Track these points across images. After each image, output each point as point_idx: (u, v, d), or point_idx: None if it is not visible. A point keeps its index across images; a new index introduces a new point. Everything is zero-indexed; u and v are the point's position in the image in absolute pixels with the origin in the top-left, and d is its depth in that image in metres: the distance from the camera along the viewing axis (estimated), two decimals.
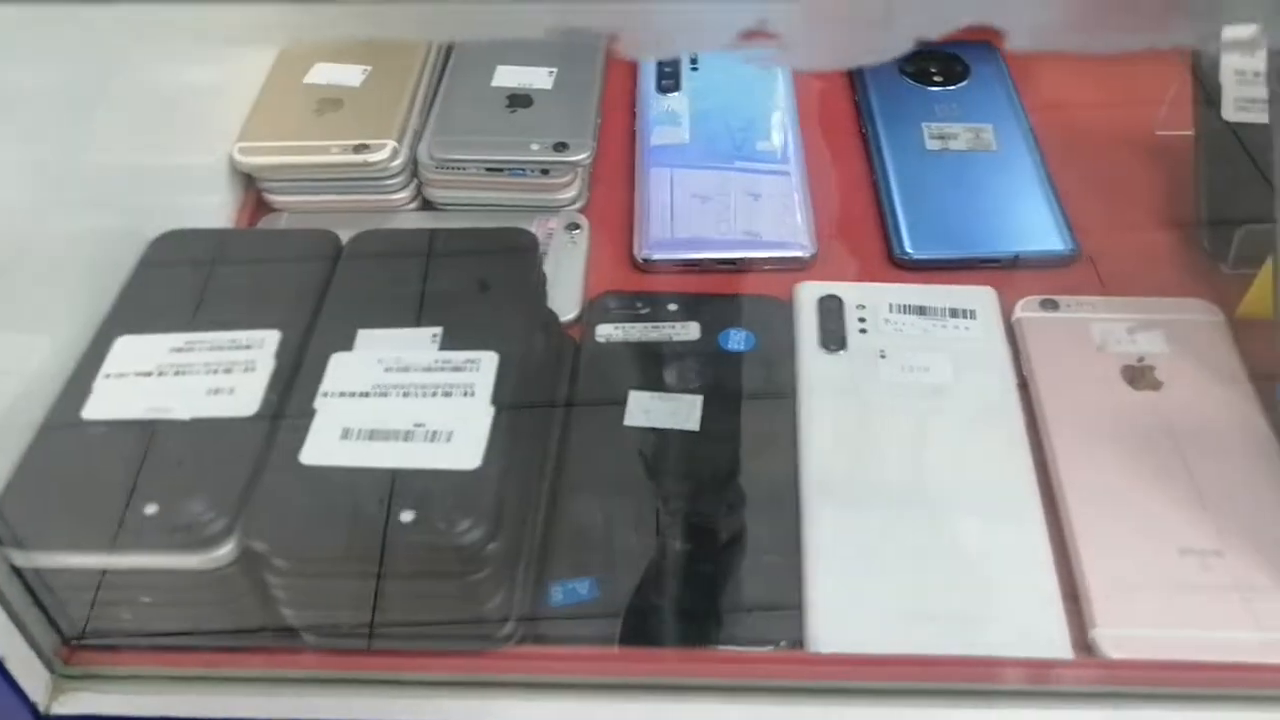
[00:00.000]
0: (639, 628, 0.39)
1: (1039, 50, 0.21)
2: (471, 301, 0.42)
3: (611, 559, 0.40)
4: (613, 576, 0.40)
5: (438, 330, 0.40)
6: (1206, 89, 0.52)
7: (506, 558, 0.37)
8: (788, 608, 0.39)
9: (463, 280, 0.43)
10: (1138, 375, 0.46)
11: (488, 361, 0.39)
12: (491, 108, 0.56)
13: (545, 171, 0.53)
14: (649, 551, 0.41)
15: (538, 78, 0.57)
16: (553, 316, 0.47)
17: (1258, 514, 0.41)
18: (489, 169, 0.53)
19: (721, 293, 0.50)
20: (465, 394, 0.38)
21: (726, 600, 0.40)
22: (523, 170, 0.53)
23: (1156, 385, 0.46)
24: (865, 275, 0.52)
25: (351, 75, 0.57)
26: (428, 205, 0.55)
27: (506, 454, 0.37)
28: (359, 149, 0.53)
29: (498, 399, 0.38)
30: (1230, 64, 0.51)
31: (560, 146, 0.53)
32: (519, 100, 0.56)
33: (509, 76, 0.57)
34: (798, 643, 0.38)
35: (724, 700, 0.38)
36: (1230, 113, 0.51)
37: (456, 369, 0.39)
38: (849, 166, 0.58)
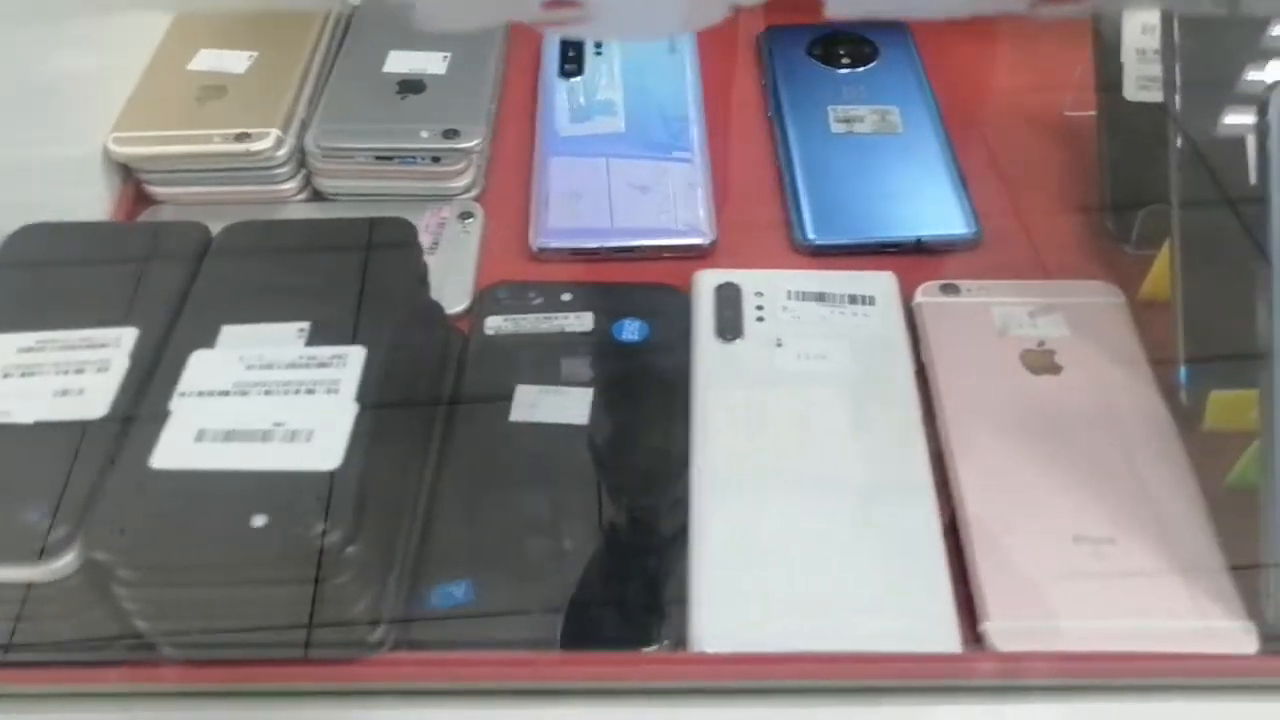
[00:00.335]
0: (517, 630, 0.37)
1: (857, 18, 0.20)
2: (343, 295, 0.40)
3: (491, 560, 0.39)
4: (492, 578, 0.38)
5: (305, 325, 0.39)
6: (1109, 68, 0.51)
7: (372, 561, 0.35)
8: (673, 605, 0.38)
9: (335, 273, 0.41)
10: (1037, 360, 0.45)
11: (354, 357, 0.37)
12: (381, 94, 0.54)
13: (436, 159, 0.51)
14: (530, 551, 0.39)
15: (431, 63, 0.55)
16: (437, 309, 0.45)
17: (1153, 500, 0.40)
18: (378, 157, 0.51)
19: (619, 282, 0.49)
20: (329, 391, 0.37)
21: (609, 599, 0.38)
22: (413, 158, 0.51)
23: (1056, 370, 0.45)
24: (768, 262, 0.50)
25: (237, 62, 0.55)
26: (318, 196, 0.53)
27: (372, 453, 0.35)
28: (241, 138, 0.51)
29: (363, 396, 0.36)
30: (1132, 43, 0.50)
31: (451, 133, 0.51)
32: (410, 86, 0.54)
33: (401, 62, 0.55)
34: (681, 642, 0.37)
35: (605, 703, 0.36)
36: (1132, 92, 0.50)
37: (322, 365, 0.37)
38: (754, 151, 0.57)
